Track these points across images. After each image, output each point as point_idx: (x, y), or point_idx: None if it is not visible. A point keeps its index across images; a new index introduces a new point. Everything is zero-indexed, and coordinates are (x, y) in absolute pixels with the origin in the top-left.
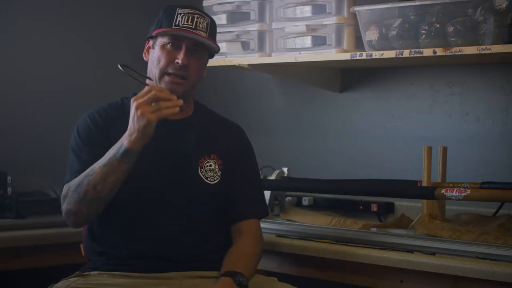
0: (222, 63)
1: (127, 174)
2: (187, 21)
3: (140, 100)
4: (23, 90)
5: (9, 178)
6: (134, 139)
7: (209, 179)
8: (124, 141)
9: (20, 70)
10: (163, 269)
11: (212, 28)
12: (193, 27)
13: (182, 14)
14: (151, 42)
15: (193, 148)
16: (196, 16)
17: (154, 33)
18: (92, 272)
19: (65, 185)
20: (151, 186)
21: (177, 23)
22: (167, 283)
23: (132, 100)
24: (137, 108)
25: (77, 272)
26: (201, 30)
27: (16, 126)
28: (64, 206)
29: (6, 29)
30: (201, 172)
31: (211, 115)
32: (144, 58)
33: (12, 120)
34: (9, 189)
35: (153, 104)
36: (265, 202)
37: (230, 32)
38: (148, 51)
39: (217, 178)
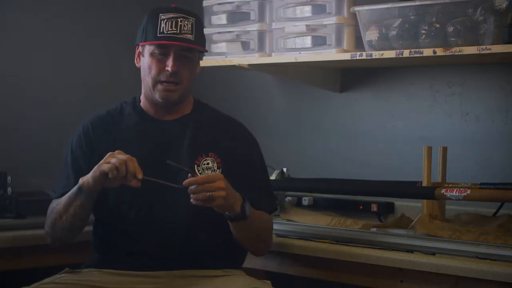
0: (222, 63)
1: (87, 209)
2: (171, 27)
3: (113, 156)
4: (23, 91)
5: (9, 178)
6: (86, 179)
7: None
8: (82, 178)
9: (20, 71)
10: (153, 268)
11: (198, 27)
12: (178, 31)
13: (166, 20)
14: (140, 48)
15: (189, 147)
16: (179, 19)
17: (141, 44)
18: (84, 270)
19: (52, 201)
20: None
21: (161, 30)
22: (155, 282)
23: (116, 153)
24: (106, 157)
25: (66, 269)
26: (187, 33)
27: (16, 126)
28: (44, 227)
29: (4, 29)
30: (198, 170)
31: (212, 113)
32: (136, 64)
33: (12, 120)
34: (9, 189)
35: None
36: (272, 197)
37: (230, 32)
38: (139, 57)
39: None
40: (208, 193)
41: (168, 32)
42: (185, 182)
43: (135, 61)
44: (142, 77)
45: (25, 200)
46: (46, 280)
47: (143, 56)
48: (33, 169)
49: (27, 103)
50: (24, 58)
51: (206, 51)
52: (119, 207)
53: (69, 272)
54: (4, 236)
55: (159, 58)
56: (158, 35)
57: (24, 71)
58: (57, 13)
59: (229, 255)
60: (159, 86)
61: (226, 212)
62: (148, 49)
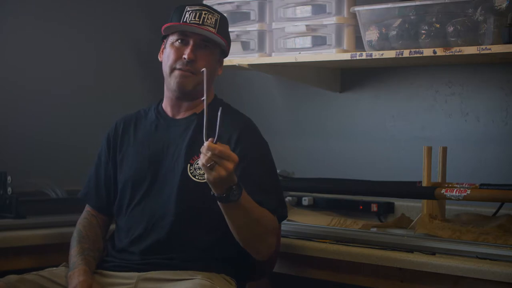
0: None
1: None
2: (195, 17)
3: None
4: (23, 91)
5: (9, 178)
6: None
7: (197, 177)
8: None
9: (20, 70)
10: (125, 269)
11: (222, 24)
12: (201, 22)
13: (190, 11)
14: (165, 42)
15: (187, 146)
16: (204, 12)
17: (162, 29)
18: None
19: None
20: (138, 182)
21: (184, 19)
22: (122, 283)
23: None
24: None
25: (64, 263)
26: (209, 26)
27: (16, 126)
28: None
29: (5, 29)
30: (190, 170)
31: (226, 113)
32: (159, 58)
33: (12, 120)
34: (9, 189)
35: None
36: (280, 199)
37: (230, 32)
38: (162, 51)
39: None
40: (213, 162)
41: (191, 21)
42: (208, 144)
43: (158, 56)
44: (163, 69)
45: (25, 200)
46: (38, 272)
47: (165, 48)
48: (33, 169)
49: (27, 103)
50: (24, 59)
51: (226, 45)
52: (121, 206)
53: (66, 267)
54: (4, 236)
55: (179, 47)
56: (180, 23)
57: (23, 73)
58: (57, 15)
59: (212, 258)
60: (175, 72)
61: (212, 190)
62: (170, 40)
